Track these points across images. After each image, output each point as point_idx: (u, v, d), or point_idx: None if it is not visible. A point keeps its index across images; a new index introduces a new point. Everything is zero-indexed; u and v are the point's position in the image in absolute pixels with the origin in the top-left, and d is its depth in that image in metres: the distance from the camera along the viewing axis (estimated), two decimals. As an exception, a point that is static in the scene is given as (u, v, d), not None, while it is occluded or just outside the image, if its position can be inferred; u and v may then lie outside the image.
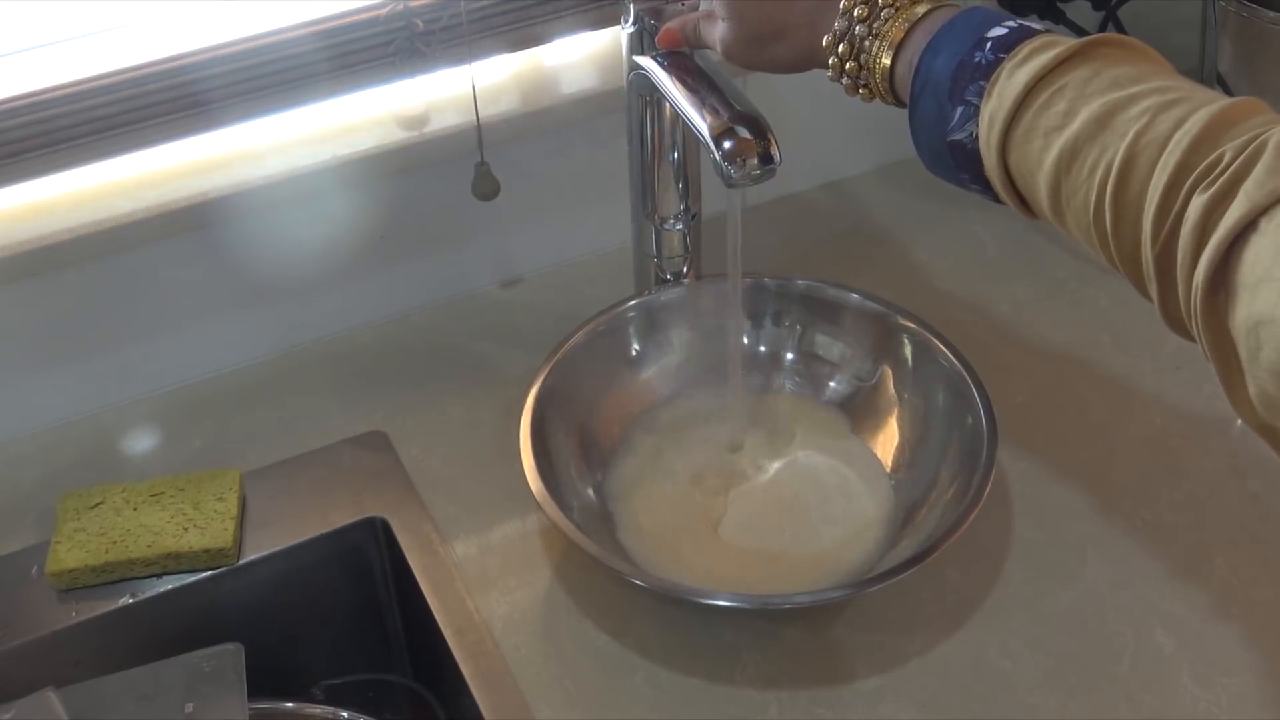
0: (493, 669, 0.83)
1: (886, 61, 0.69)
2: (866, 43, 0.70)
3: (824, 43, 0.72)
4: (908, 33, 0.68)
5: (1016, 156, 0.63)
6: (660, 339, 0.99)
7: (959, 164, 0.67)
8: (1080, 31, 1.13)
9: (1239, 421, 0.98)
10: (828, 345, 0.98)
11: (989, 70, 0.64)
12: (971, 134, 0.65)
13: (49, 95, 0.88)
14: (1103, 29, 1.18)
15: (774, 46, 0.76)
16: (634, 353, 0.98)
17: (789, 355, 0.99)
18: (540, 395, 0.91)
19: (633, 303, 0.98)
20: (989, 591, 0.87)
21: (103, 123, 0.90)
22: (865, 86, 0.72)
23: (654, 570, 0.86)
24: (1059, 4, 1.13)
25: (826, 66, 0.73)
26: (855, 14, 0.70)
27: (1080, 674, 0.82)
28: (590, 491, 0.91)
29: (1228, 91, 1.02)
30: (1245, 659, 0.82)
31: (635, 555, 0.88)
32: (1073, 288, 1.10)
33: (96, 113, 0.90)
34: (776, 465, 0.93)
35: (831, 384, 0.98)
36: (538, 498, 0.84)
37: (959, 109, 0.65)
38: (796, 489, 0.92)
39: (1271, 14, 0.96)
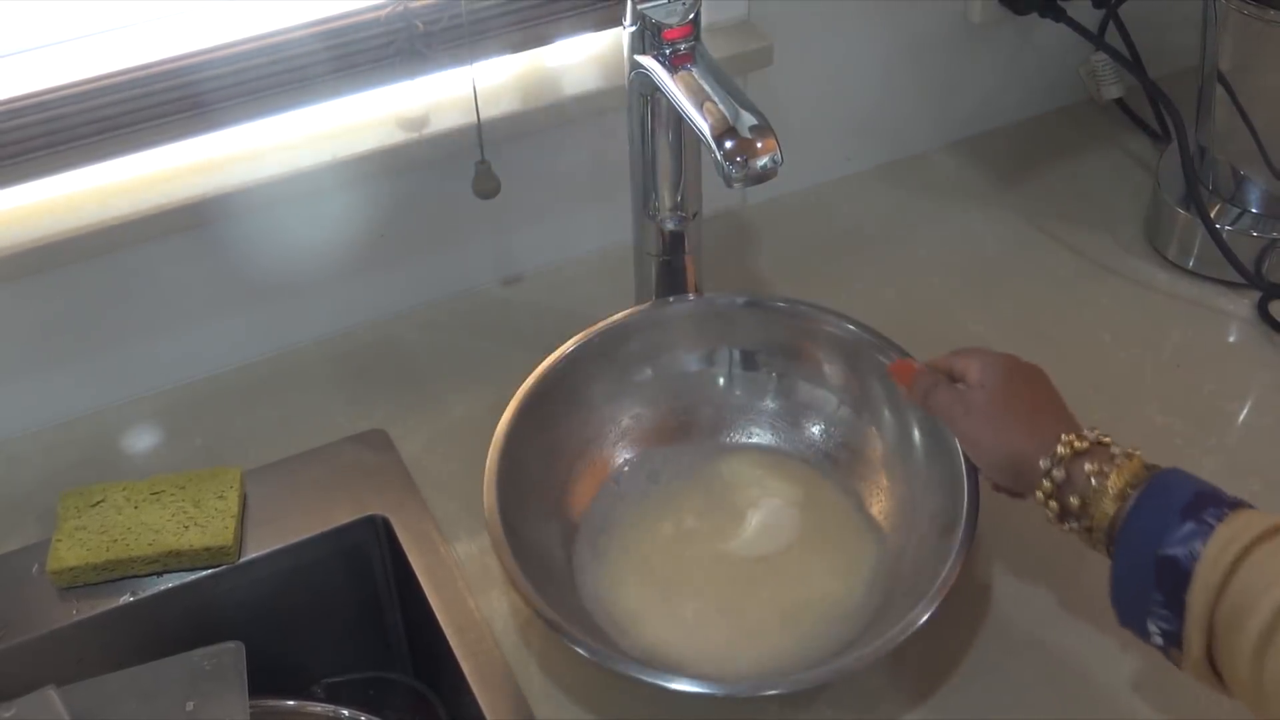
0: (493, 667, 0.83)
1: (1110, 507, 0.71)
2: (1093, 484, 0.72)
3: (1041, 466, 0.74)
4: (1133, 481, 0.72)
5: (1249, 575, 0.64)
6: (630, 376, 0.95)
7: (1159, 581, 0.67)
8: (1082, 31, 1.13)
9: (1239, 419, 0.99)
10: (807, 387, 0.95)
11: (1235, 504, 0.68)
12: (1192, 551, 0.66)
13: (53, 95, 0.88)
14: (1103, 28, 1.18)
15: (1009, 432, 0.77)
16: (602, 392, 0.94)
17: (769, 394, 0.96)
18: (506, 440, 0.87)
19: (599, 333, 0.94)
20: (989, 588, 0.87)
21: (107, 123, 0.90)
22: (1077, 520, 0.73)
23: (621, 625, 0.84)
24: (1059, 2, 1.13)
25: (1037, 487, 0.75)
26: (1068, 460, 0.74)
27: (1080, 673, 0.82)
28: (557, 544, 0.88)
29: (1229, 90, 1.02)
30: (1245, 658, 0.82)
31: (606, 612, 0.85)
32: (1073, 286, 1.10)
33: (100, 113, 0.90)
34: (754, 516, 0.91)
35: (810, 425, 0.95)
36: (507, 572, 0.81)
37: (1189, 524, 0.67)
38: (774, 541, 0.89)
39: (1273, 13, 0.96)
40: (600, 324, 0.94)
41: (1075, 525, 0.74)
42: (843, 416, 0.94)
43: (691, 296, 0.97)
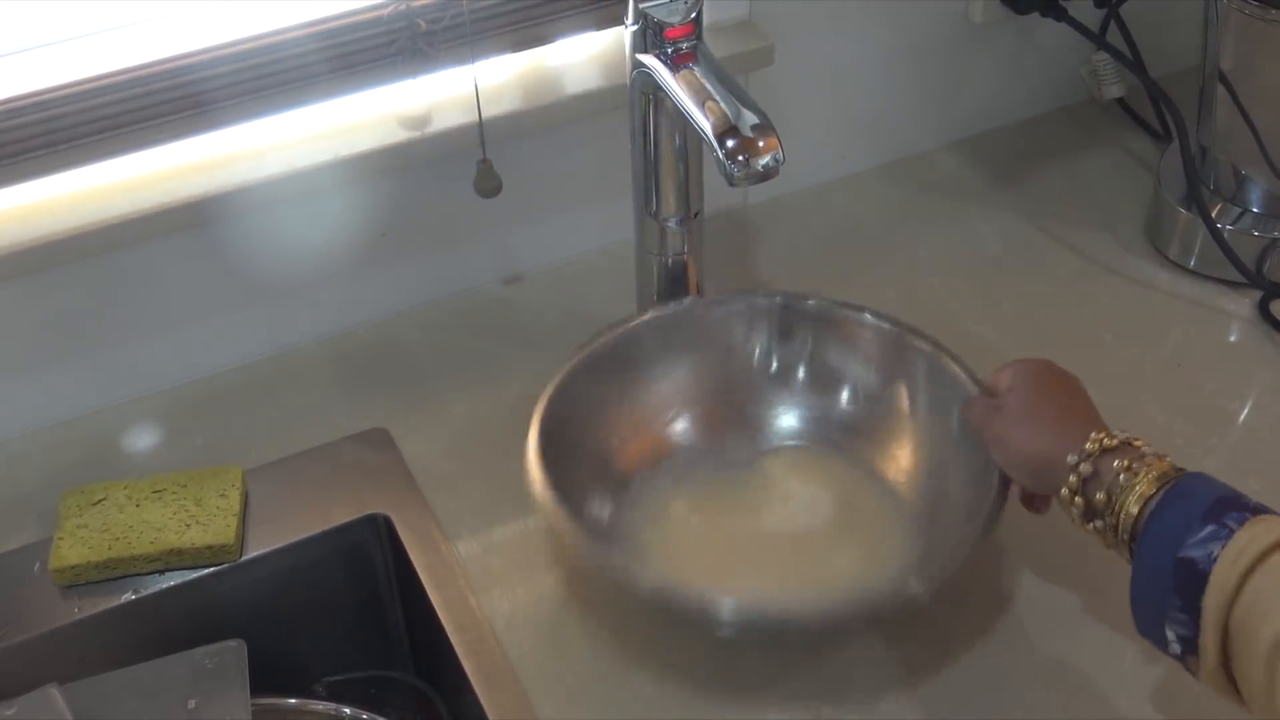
0: (495, 666, 0.83)
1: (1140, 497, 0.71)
2: (1121, 479, 0.72)
3: (1068, 461, 0.74)
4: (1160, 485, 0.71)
5: (1264, 580, 0.64)
6: (668, 360, 0.96)
7: (1177, 585, 0.67)
8: (1083, 30, 1.13)
9: (1240, 419, 0.99)
10: (838, 369, 0.96)
11: (1259, 509, 0.67)
12: (1211, 553, 0.66)
13: (53, 95, 0.88)
14: (1104, 28, 1.18)
15: (1037, 431, 0.77)
16: (638, 376, 0.95)
17: (800, 374, 0.97)
18: (545, 418, 0.88)
19: (641, 321, 0.95)
20: (990, 588, 0.87)
21: (106, 122, 0.90)
22: (1101, 518, 0.73)
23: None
24: (1061, 2, 1.13)
25: (1064, 485, 0.75)
26: (1097, 458, 0.73)
27: (1081, 672, 0.82)
28: (597, 513, 0.89)
29: (1230, 90, 1.02)
30: (1246, 657, 0.82)
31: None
32: (1074, 285, 1.10)
33: (100, 112, 0.90)
34: (791, 491, 0.92)
35: (843, 405, 0.96)
36: (550, 519, 0.83)
37: (1209, 527, 0.67)
38: (808, 516, 0.90)
39: (1274, 12, 0.96)
40: (663, 308, 0.96)
41: (1100, 524, 0.73)
42: (871, 389, 0.95)
43: (750, 291, 0.98)
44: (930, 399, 0.92)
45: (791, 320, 0.96)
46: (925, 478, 0.91)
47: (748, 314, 0.96)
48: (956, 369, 0.89)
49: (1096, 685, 0.82)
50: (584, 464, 0.90)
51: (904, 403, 0.93)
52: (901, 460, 0.93)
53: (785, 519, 0.91)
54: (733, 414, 0.96)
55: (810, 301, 0.96)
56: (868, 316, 0.94)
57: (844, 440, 0.95)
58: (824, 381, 0.96)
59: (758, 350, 0.97)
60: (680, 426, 0.96)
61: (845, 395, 0.96)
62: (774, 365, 0.97)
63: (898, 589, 0.80)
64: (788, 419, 0.97)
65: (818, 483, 0.93)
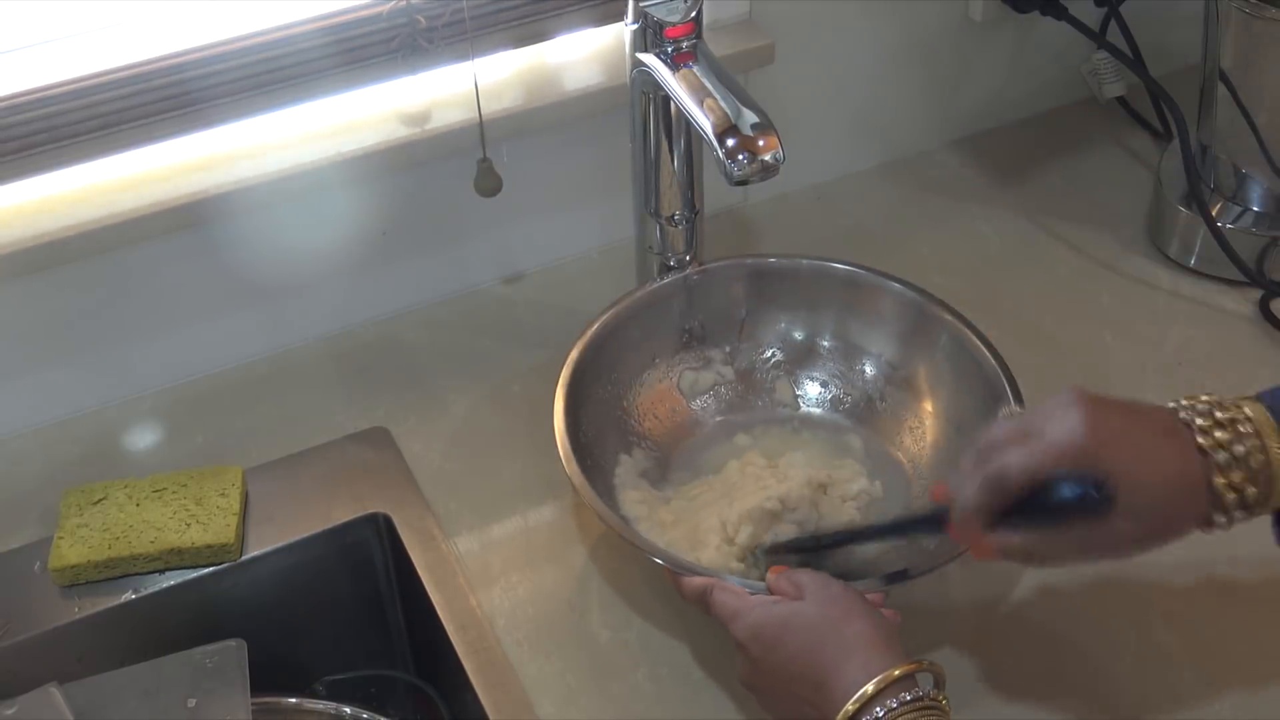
0: (495, 665, 0.83)
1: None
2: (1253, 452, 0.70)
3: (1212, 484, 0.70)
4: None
5: None
6: (683, 326, 0.98)
7: None
8: (1083, 29, 1.13)
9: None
10: (861, 334, 0.97)
11: None
12: None
13: (54, 91, 0.89)
14: (1104, 26, 1.18)
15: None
16: (655, 346, 0.97)
17: (824, 343, 0.98)
18: (570, 381, 0.89)
19: (661, 284, 0.97)
20: (990, 586, 0.87)
21: (107, 119, 0.90)
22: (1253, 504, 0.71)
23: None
24: (1061, 1, 1.13)
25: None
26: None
27: (1081, 670, 0.82)
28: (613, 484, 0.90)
29: (1231, 88, 1.02)
30: (1247, 655, 0.82)
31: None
32: (1075, 285, 1.10)
33: (101, 109, 0.90)
34: (799, 464, 0.92)
35: (866, 370, 0.97)
36: (574, 482, 0.84)
37: None
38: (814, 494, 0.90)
39: (1275, 10, 0.96)
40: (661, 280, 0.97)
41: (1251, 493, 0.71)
42: (893, 358, 0.96)
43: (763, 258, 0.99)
44: (952, 369, 0.92)
45: (820, 285, 0.97)
46: (944, 449, 0.92)
47: (772, 277, 0.98)
48: (977, 340, 0.90)
49: (1097, 685, 0.82)
50: (601, 444, 0.91)
51: (925, 372, 0.94)
52: (920, 428, 0.94)
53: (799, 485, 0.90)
54: (755, 378, 0.97)
55: (839, 266, 0.97)
56: (894, 285, 0.95)
57: (864, 408, 0.96)
58: (847, 348, 0.97)
59: (782, 318, 0.98)
60: (700, 389, 0.97)
61: (867, 363, 0.97)
62: (798, 332, 0.98)
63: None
64: (810, 385, 0.98)
65: (833, 451, 0.94)
